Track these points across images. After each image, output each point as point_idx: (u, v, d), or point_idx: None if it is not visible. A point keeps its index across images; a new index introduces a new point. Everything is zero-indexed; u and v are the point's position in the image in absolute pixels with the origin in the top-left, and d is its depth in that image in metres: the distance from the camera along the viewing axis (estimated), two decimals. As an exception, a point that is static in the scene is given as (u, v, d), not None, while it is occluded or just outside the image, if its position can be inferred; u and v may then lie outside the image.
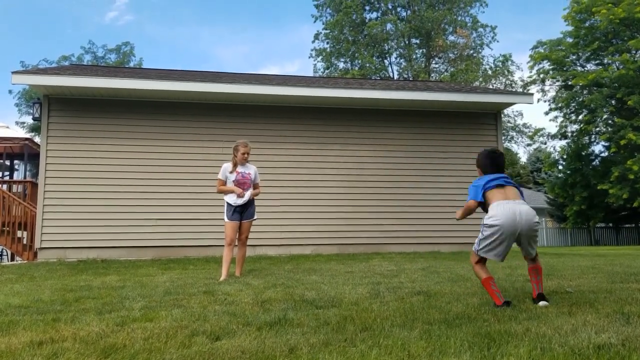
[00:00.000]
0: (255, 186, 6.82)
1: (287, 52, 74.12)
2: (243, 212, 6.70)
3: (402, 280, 5.65)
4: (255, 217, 6.86)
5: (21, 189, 13.78)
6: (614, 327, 3.08)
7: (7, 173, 17.93)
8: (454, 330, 3.12)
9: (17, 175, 17.94)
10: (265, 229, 11.41)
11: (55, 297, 4.91)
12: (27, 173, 16.38)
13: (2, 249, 15.67)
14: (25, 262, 11.40)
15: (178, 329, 3.34)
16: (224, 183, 6.68)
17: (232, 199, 6.61)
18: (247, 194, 6.63)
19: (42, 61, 39.32)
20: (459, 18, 37.70)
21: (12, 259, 14.33)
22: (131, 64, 40.71)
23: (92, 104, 11.30)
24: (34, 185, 13.37)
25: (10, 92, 42.14)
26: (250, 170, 6.79)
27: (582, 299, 4.03)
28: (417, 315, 3.60)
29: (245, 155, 6.70)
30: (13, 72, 10.82)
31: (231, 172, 6.67)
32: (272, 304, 4.26)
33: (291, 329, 3.30)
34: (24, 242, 12.56)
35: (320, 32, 38.78)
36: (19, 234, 12.56)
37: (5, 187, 13.34)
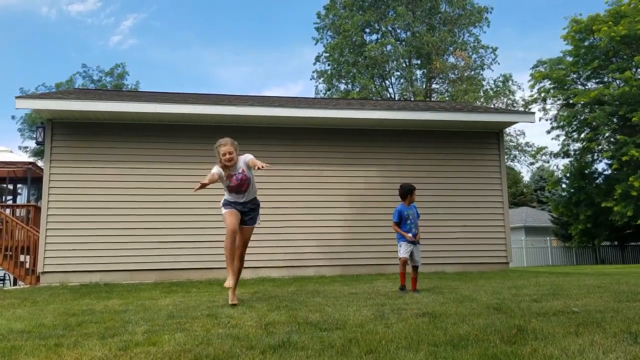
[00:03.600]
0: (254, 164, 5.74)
1: (289, 73, 74.66)
2: (246, 215, 6.03)
3: (407, 302, 5.61)
4: (258, 223, 6.22)
5: (24, 213, 13.78)
6: (621, 346, 3.04)
7: (10, 197, 17.96)
8: (460, 352, 3.08)
9: (20, 200, 17.97)
10: (268, 250, 11.38)
11: (57, 322, 4.88)
12: (30, 197, 16.39)
13: (5, 274, 15.63)
14: (27, 286, 11.35)
15: (181, 353, 3.31)
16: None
17: (230, 197, 5.95)
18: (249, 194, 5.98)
19: (40, 86, 39.71)
20: (460, 39, 37.92)
21: (15, 283, 14.29)
22: (126, 84, 41.06)
23: (95, 128, 11.35)
24: (37, 209, 13.38)
25: (13, 117, 42.49)
26: (241, 165, 5.91)
27: (589, 319, 3.99)
28: (422, 337, 3.56)
29: (227, 156, 5.80)
30: (17, 97, 10.90)
31: (226, 180, 5.87)
32: (276, 326, 4.22)
33: (295, 352, 3.27)
34: (27, 266, 12.53)
35: (321, 55, 39.09)
36: (21, 258, 12.54)
37: (8, 211, 13.34)
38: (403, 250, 6.87)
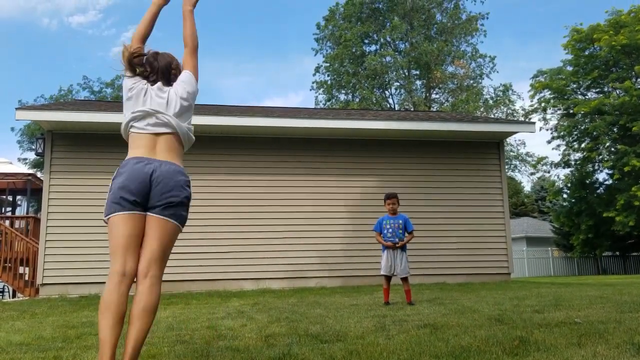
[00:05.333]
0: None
1: (290, 83, 74.97)
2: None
3: (408, 313, 5.58)
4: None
5: (23, 225, 13.76)
6: (624, 358, 3.01)
7: (9, 208, 17.95)
8: (462, 363, 3.06)
9: (20, 211, 17.97)
10: (268, 261, 11.35)
11: (56, 334, 4.85)
12: (30, 209, 16.38)
13: (4, 286, 15.58)
14: (26, 298, 11.31)
15: (180, 366, 3.28)
16: None
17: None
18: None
19: (39, 98, 39.86)
20: (458, 48, 38.05)
21: (14, 295, 14.24)
22: None
23: (95, 139, 11.35)
24: (37, 221, 13.36)
25: (12, 129, 42.62)
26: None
27: (592, 330, 3.96)
28: (423, 349, 3.53)
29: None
30: (17, 109, 10.92)
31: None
32: (277, 338, 4.19)
33: (295, 364, 3.24)
34: (26, 278, 12.49)
35: (321, 65, 39.22)
36: (20, 270, 12.50)
37: (7, 222, 13.32)
38: (382, 266, 6.95)
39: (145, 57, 3.26)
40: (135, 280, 3.07)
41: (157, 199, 2.97)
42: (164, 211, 2.98)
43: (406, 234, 7.07)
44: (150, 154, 3.05)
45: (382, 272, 6.95)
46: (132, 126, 3.13)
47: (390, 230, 6.98)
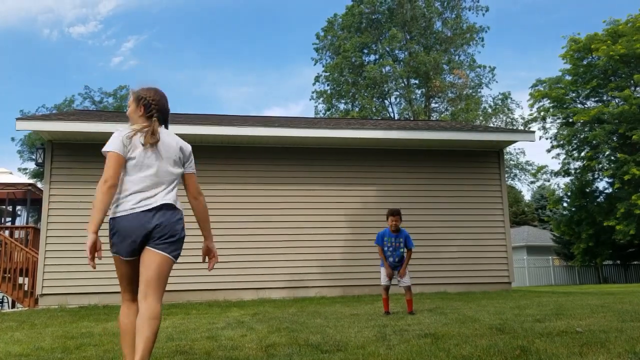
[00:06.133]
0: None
1: (290, 93, 75.19)
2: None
3: (409, 322, 5.56)
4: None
5: (23, 235, 13.74)
6: (627, 368, 3.00)
7: (9, 219, 17.94)
8: (463, 373, 3.04)
9: (19, 221, 17.94)
10: (268, 271, 11.32)
11: (56, 345, 4.83)
12: (30, 219, 16.37)
13: (3, 296, 15.54)
14: (26, 309, 11.28)
15: (180, 377, 3.26)
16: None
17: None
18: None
19: (40, 108, 39.95)
20: (456, 58, 38.18)
21: (13, 306, 14.20)
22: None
23: (95, 149, 11.26)
24: (36, 231, 13.34)
25: (13, 139, 42.66)
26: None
27: (593, 339, 3.95)
28: (424, 359, 3.52)
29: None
30: (17, 119, 10.93)
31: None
32: (277, 348, 4.18)
33: (296, 374, 3.22)
34: (25, 288, 12.45)
35: (321, 75, 39.34)
36: (20, 280, 12.46)
37: (7, 232, 13.30)
38: (382, 277, 6.93)
39: None
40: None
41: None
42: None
43: (405, 250, 7.03)
44: None
45: (382, 283, 6.94)
46: None
47: (391, 248, 6.97)
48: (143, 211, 3.11)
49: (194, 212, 3.40)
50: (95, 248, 3.29)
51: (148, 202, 3.13)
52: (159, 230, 3.12)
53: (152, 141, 3.20)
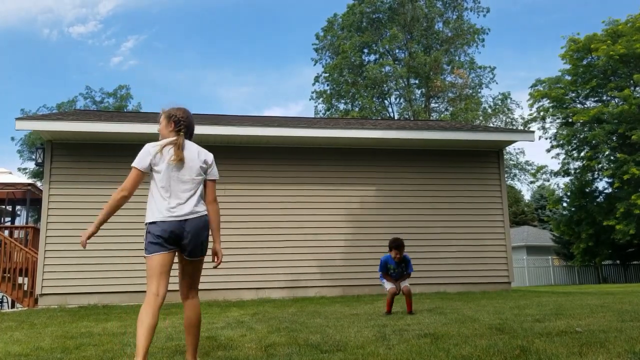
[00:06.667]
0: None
1: (290, 93, 75.18)
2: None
3: (409, 322, 5.56)
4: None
5: (23, 235, 13.72)
6: (627, 368, 3.00)
7: (9, 218, 17.92)
8: (463, 373, 3.04)
9: (19, 221, 17.92)
10: (268, 271, 11.32)
11: (55, 345, 4.83)
12: (29, 218, 16.36)
13: (3, 296, 15.53)
14: (25, 309, 11.27)
15: (179, 377, 3.26)
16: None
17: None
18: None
19: (42, 107, 39.95)
20: (457, 58, 38.17)
21: (13, 305, 14.19)
22: (130, 107, 41.38)
23: (95, 149, 11.36)
24: (36, 231, 13.33)
25: (12, 139, 42.68)
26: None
27: (593, 339, 3.95)
28: (424, 359, 3.52)
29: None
30: (17, 119, 10.93)
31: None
32: (276, 348, 4.17)
33: (295, 374, 3.22)
34: (25, 288, 12.43)
35: (320, 75, 39.32)
36: (19, 280, 12.45)
37: (7, 232, 13.29)
38: (387, 285, 6.90)
39: None
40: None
41: None
42: None
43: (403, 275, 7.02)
44: None
45: (392, 288, 6.84)
46: None
47: (395, 275, 6.98)
48: (172, 220, 3.56)
49: (207, 215, 3.73)
50: (89, 237, 3.85)
51: (176, 211, 3.58)
52: (188, 238, 3.58)
53: (180, 156, 3.65)
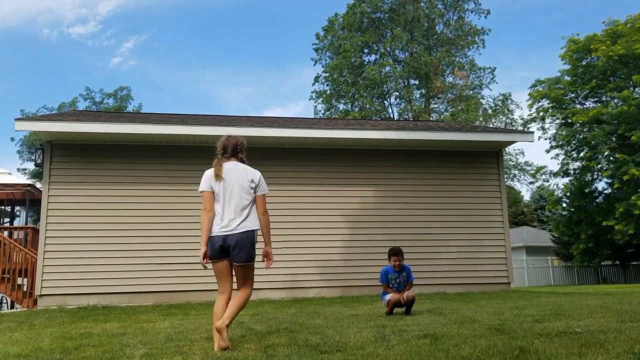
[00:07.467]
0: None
1: (290, 93, 75.17)
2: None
3: (408, 323, 5.55)
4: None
5: (22, 235, 13.71)
6: (626, 368, 3.00)
7: (8, 219, 17.91)
8: (462, 374, 3.04)
9: (19, 222, 17.91)
10: (267, 272, 11.29)
11: (54, 346, 4.82)
12: (29, 219, 16.35)
13: (2, 297, 15.52)
14: (25, 309, 11.26)
15: (179, 377, 3.26)
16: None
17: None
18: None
19: (41, 108, 39.93)
20: (457, 59, 38.18)
21: (12, 306, 14.18)
22: (130, 108, 41.35)
23: (94, 150, 11.35)
24: (35, 232, 13.31)
25: (12, 139, 42.66)
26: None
27: (592, 339, 3.95)
28: (423, 359, 3.51)
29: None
30: (16, 119, 10.92)
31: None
32: (276, 349, 4.17)
33: (295, 375, 3.22)
34: (24, 289, 12.43)
35: (320, 75, 39.31)
36: (19, 281, 12.44)
37: (6, 233, 13.27)
38: (388, 297, 6.77)
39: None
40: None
41: None
42: None
43: (406, 285, 6.98)
44: None
45: (394, 297, 6.68)
46: None
47: (396, 285, 6.95)
48: (220, 235, 4.32)
49: (254, 228, 4.44)
50: (205, 256, 4.38)
51: (225, 226, 4.33)
52: (233, 249, 4.32)
53: (216, 172, 4.43)
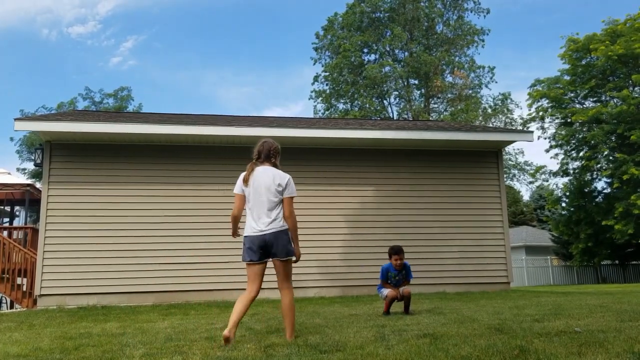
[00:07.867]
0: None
1: (290, 93, 75.15)
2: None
3: (408, 323, 5.56)
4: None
5: (22, 235, 13.70)
6: (626, 368, 3.00)
7: (7, 219, 17.91)
8: (462, 373, 3.04)
9: (18, 222, 17.91)
10: (266, 271, 11.29)
11: (54, 346, 4.82)
12: (28, 219, 16.34)
13: (2, 297, 15.52)
14: (24, 309, 11.26)
15: (179, 377, 3.26)
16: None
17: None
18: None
19: (41, 108, 39.89)
20: (457, 59, 38.19)
21: (12, 306, 14.18)
22: (130, 108, 41.32)
23: (93, 150, 11.34)
24: (35, 232, 13.31)
25: (11, 139, 42.61)
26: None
27: (592, 339, 3.95)
28: (423, 359, 3.52)
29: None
30: (16, 119, 10.90)
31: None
32: (276, 349, 4.17)
33: (295, 375, 3.21)
34: (24, 289, 12.43)
35: (320, 74, 39.30)
36: (18, 281, 12.43)
37: (5, 233, 13.27)
38: (386, 291, 6.80)
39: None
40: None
41: None
42: None
43: (404, 282, 6.98)
44: None
45: (391, 293, 6.72)
46: None
47: (394, 282, 6.95)
48: (256, 235, 4.62)
49: (284, 227, 4.69)
50: (235, 232, 4.98)
51: (258, 227, 4.63)
52: (270, 246, 4.61)
53: (245, 177, 4.77)
